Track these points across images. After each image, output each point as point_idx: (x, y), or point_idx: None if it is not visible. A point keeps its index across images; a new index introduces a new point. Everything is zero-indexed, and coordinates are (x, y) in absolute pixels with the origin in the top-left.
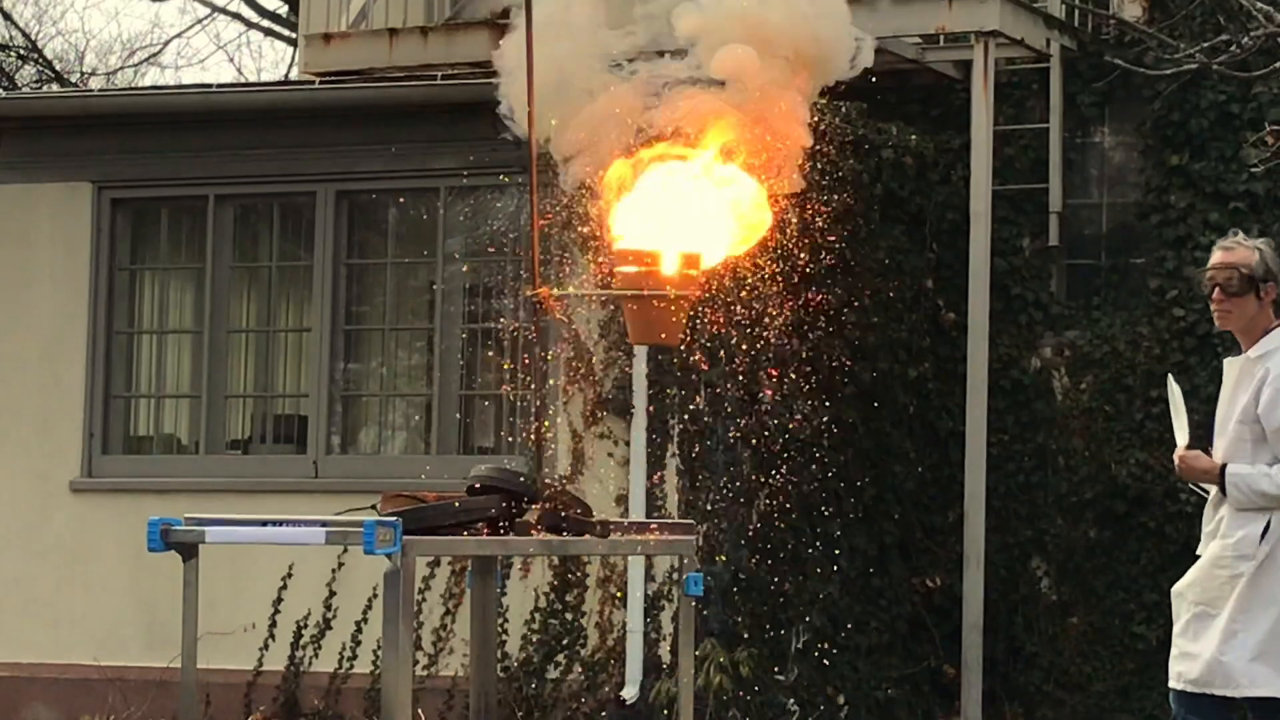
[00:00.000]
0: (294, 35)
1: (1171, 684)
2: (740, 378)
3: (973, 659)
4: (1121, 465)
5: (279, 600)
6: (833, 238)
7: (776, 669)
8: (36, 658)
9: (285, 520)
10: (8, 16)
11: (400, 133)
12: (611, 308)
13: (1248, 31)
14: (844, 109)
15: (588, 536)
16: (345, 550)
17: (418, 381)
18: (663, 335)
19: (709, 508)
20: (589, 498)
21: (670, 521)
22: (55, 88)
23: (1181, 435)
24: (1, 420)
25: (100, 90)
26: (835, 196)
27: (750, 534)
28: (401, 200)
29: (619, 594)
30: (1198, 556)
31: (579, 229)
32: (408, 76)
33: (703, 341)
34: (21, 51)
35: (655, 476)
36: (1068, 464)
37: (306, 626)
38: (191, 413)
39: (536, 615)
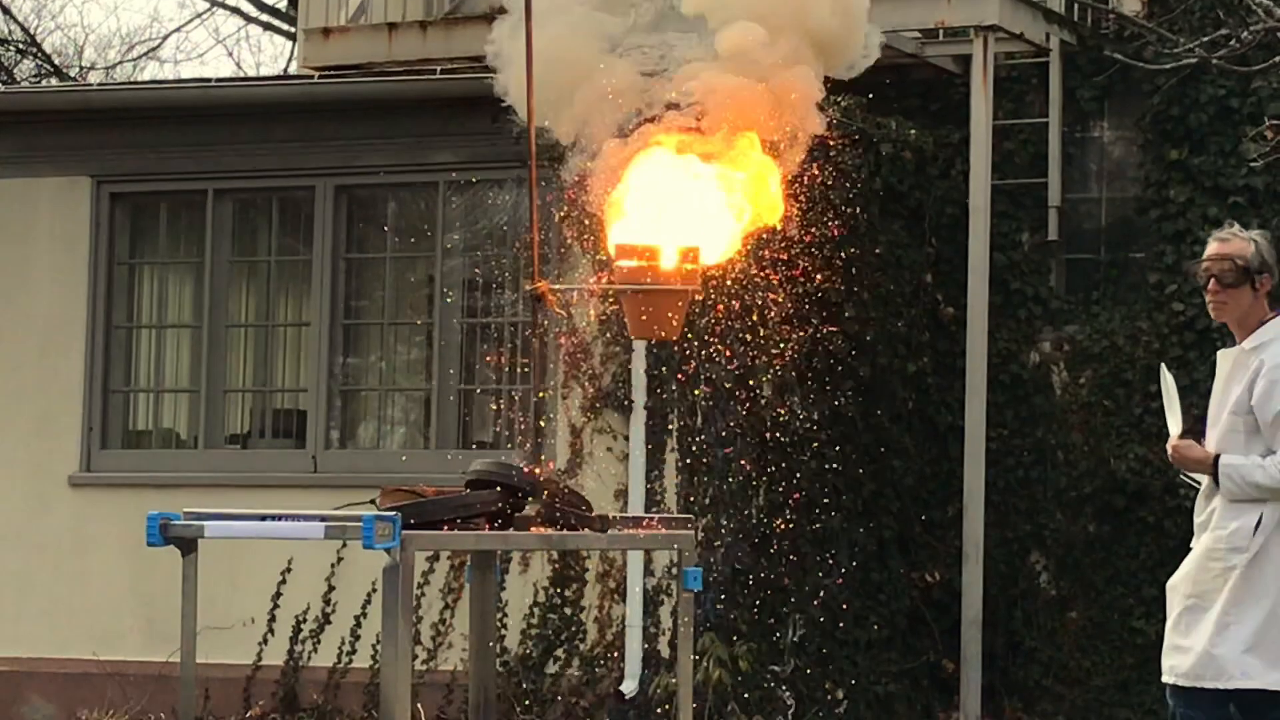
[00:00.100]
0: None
1: (1164, 678)
2: (739, 373)
3: (972, 654)
4: (1121, 460)
5: (278, 595)
6: (832, 232)
7: (773, 661)
8: (35, 652)
9: (284, 515)
10: (7, 11)
11: (399, 127)
12: (611, 302)
13: (1247, 26)
14: (843, 103)
15: (587, 531)
16: (344, 545)
17: (417, 376)
18: (662, 330)
19: (708, 502)
20: (588, 492)
21: (669, 516)
22: (54, 82)
23: (1174, 425)
24: (0, 414)
25: (99, 85)
26: (834, 191)
27: (749, 529)
28: (400, 194)
29: (618, 589)
30: (1190, 549)
31: (579, 220)
32: (407, 71)
33: (703, 336)
34: (20, 46)
35: (654, 471)
36: (1067, 459)
37: (305, 621)
38: (190, 407)
39: (536, 610)
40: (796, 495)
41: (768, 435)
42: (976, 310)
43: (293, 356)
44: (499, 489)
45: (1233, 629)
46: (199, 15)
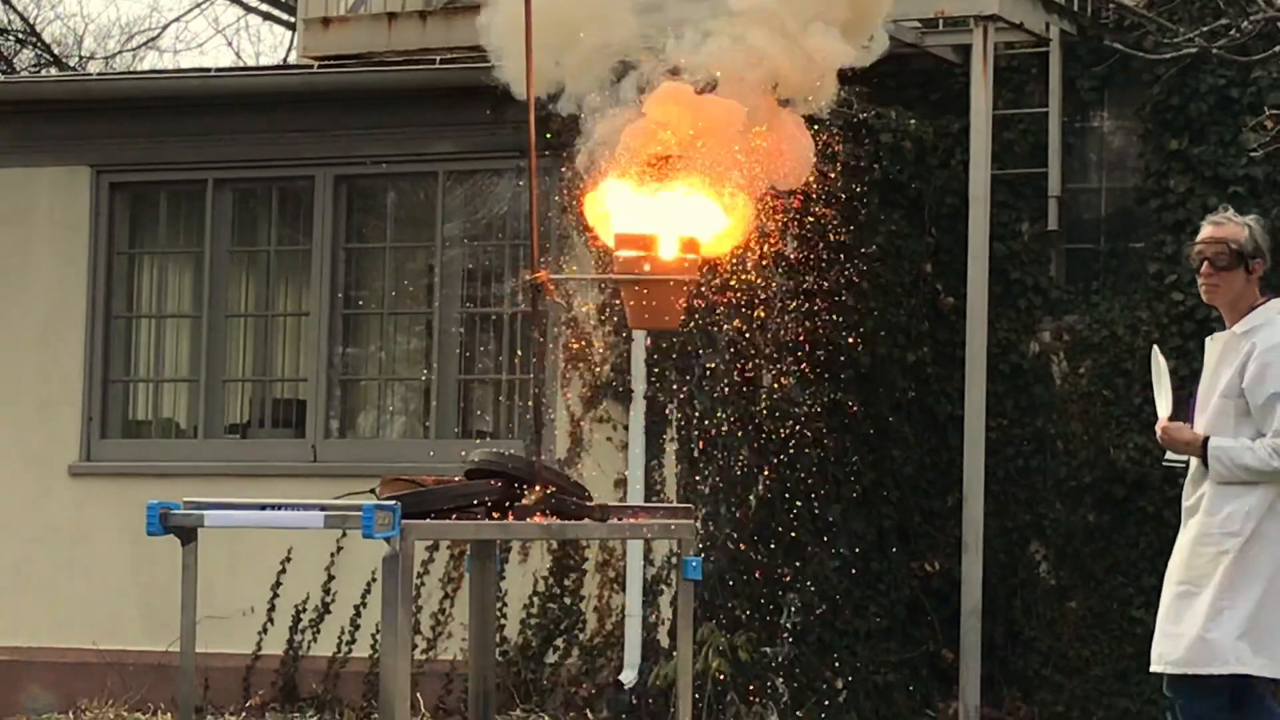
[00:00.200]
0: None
1: (1154, 667)
2: (739, 362)
3: (971, 644)
4: (1120, 449)
5: (277, 584)
6: (831, 222)
7: (769, 648)
8: (35, 641)
9: (284, 504)
10: (6, 1)
11: (399, 117)
12: (611, 292)
13: (1247, 15)
14: (843, 93)
15: (587, 521)
16: (344, 534)
17: (416, 366)
18: (662, 320)
19: (707, 492)
20: (588, 482)
21: (669, 506)
22: (54, 72)
23: (1164, 407)
24: (0, 404)
25: (99, 74)
26: (834, 180)
27: (748, 518)
28: (400, 184)
29: (617, 578)
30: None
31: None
32: (406, 60)
33: (702, 325)
34: (20, 36)
35: (653, 461)
36: (1066, 448)
37: (305, 610)
38: (190, 397)
39: (535, 599)
40: (795, 485)
41: (767, 425)
42: (976, 300)
43: (292, 346)
44: (498, 479)
45: (1226, 614)
46: (198, 5)
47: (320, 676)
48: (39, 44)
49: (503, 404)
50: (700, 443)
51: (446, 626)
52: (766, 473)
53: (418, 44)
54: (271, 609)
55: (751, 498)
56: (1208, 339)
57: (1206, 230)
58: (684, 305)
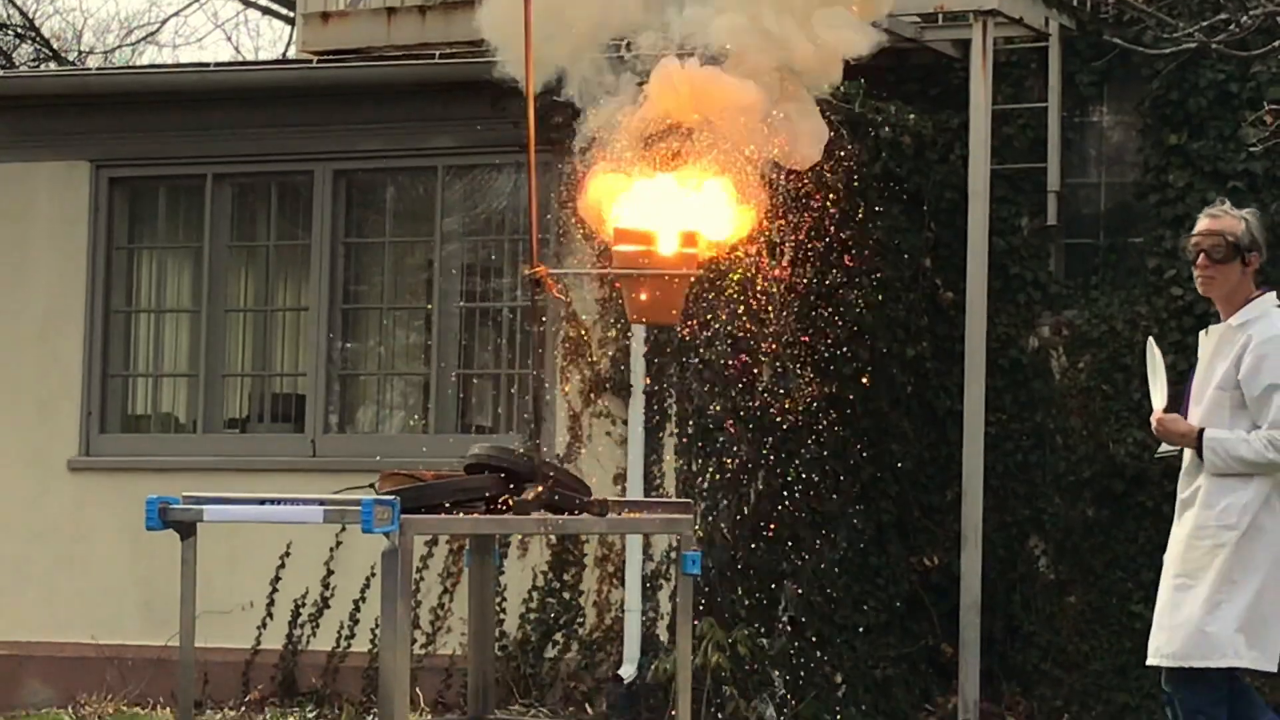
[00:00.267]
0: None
1: (1150, 661)
2: (738, 357)
3: (970, 638)
4: (1119, 444)
5: (277, 579)
6: (830, 217)
7: (764, 639)
8: (34, 636)
9: (283, 499)
10: None
11: (398, 111)
12: (611, 286)
13: (1246, 10)
14: (842, 88)
15: (586, 515)
16: (343, 529)
17: (415, 360)
18: (662, 314)
19: (707, 487)
20: (587, 477)
21: (668, 500)
22: (53, 66)
23: (1159, 398)
24: None
25: (98, 69)
26: (833, 175)
27: (747, 513)
28: (399, 179)
29: (617, 573)
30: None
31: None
32: (406, 55)
33: (702, 320)
34: (19, 30)
35: (653, 455)
36: (1066, 443)
37: (304, 605)
38: (189, 391)
39: (534, 594)
40: (794, 480)
41: (766, 420)
42: (975, 295)
43: (291, 341)
44: (498, 473)
45: (1225, 607)
46: None
47: (319, 671)
48: (38, 39)
49: (502, 399)
50: (699, 438)
51: (446, 621)
52: (765, 468)
53: (417, 39)
54: (271, 604)
55: (750, 493)
56: (1201, 332)
57: (1203, 223)
58: (684, 299)
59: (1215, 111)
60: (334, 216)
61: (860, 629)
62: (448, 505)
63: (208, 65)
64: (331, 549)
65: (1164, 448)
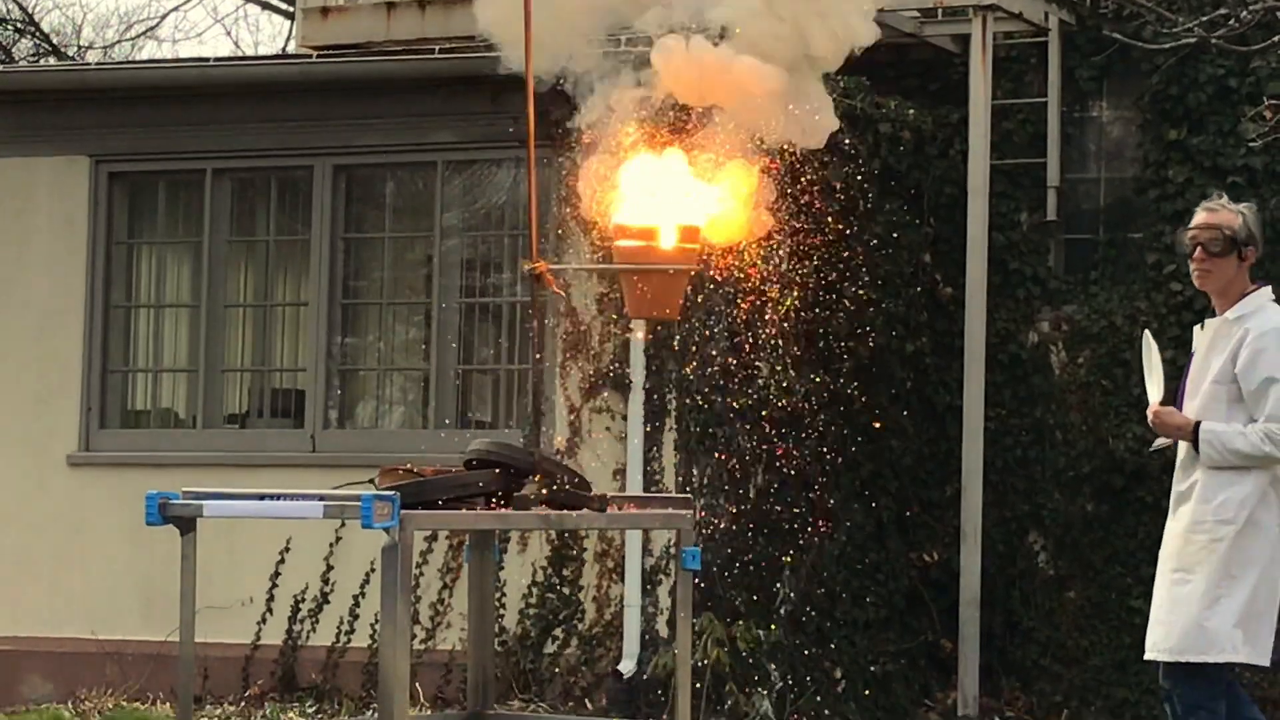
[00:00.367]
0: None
1: (1148, 655)
2: (738, 352)
3: (970, 634)
4: (1119, 439)
5: (276, 574)
6: (830, 212)
7: (760, 630)
8: (34, 631)
9: (283, 494)
10: None
11: (398, 107)
12: (611, 281)
13: (1246, 5)
14: (842, 83)
15: (585, 511)
16: (343, 524)
17: (415, 356)
18: (662, 309)
19: (706, 482)
20: (586, 472)
21: (668, 496)
22: (52, 61)
23: (1155, 392)
24: None
25: (97, 64)
26: (833, 170)
27: (747, 509)
28: (399, 174)
29: (616, 568)
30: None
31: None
32: (405, 50)
33: (702, 315)
34: (18, 25)
35: (652, 450)
36: (1065, 438)
37: (304, 600)
38: (189, 387)
39: (534, 589)
40: (794, 475)
41: (766, 415)
42: (975, 290)
43: (291, 336)
44: (498, 469)
45: (1224, 602)
46: None
47: (319, 666)
48: (37, 33)
49: (502, 394)
50: (699, 433)
51: (445, 616)
52: (764, 463)
53: (416, 33)
54: (270, 599)
55: (750, 488)
56: (1196, 326)
57: (1200, 216)
58: (684, 295)
59: (1215, 107)
60: (334, 211)
61: (860, 624)
62: (447, 501)
63: (207, 60)
64: (331, 544)
65: (1159, 441)
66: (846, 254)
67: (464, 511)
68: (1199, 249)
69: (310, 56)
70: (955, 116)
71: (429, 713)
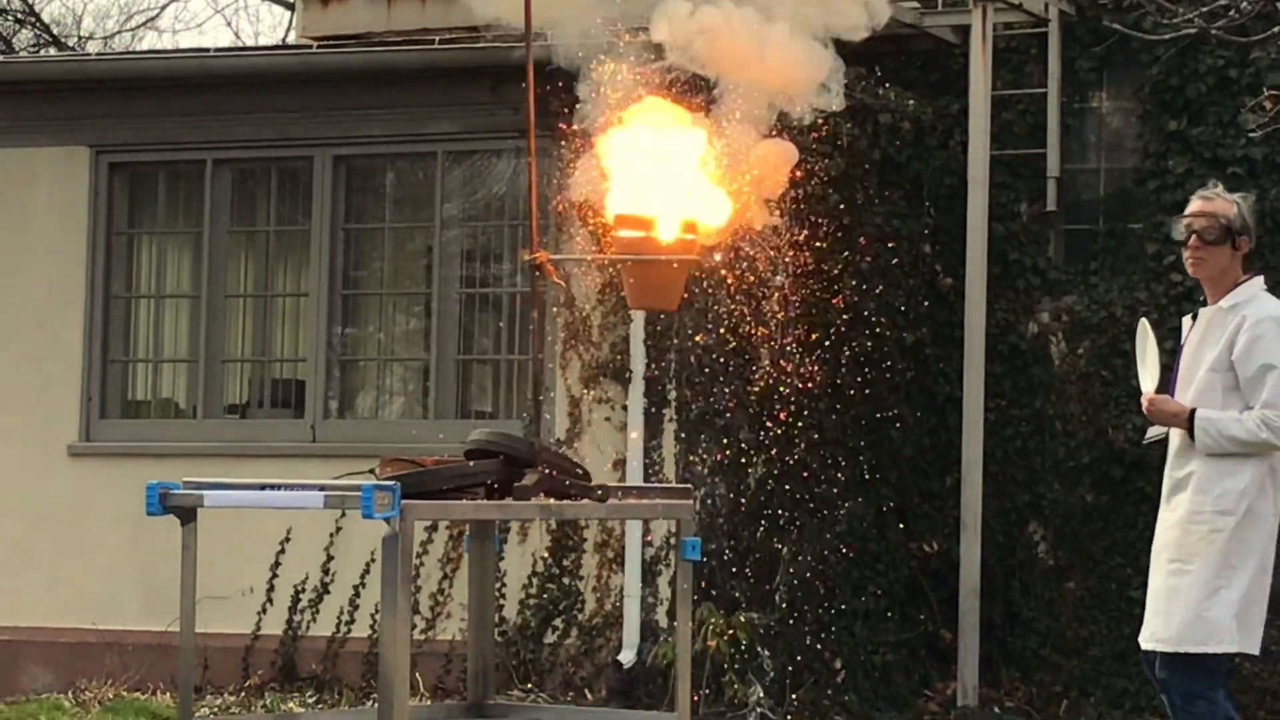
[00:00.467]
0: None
1: (1145, 645)
2: (738, 343)
3: (969, 624)
4: (1119, 430)
5: (277, 564)
6: (830, 203)
7: (764, 628)
8: (34, 621)
9: (283, 484)
10: None
11: (398, 97)
12: (611, 271)
13: None
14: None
15: (585, 501)
16: (343, 514)
17: (415, 346)
18: (663, 299)
19: (706, 473)
20: (586, 462)
21: (668, 486)
22: (53, 52)
23: (1149, 381)
24: None
25: (98, 55)
26: (833, 161)
27: (747, 499)
28: (399, 165)
29: (616, 559)
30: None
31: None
32: (405, 41)
33: (702, 306)
34: (19, 16)
35: (652, 441)
36: (1065, 429)
37: (304, 590)
38: (189, 377)
39: (534, 580)
40: (794, 466)
41: (765, 406)
42: (975, 281)
43: (291, 326)
44: (498, 459)
45: (1223, 593)
46: None
47: (319, 656)
48: (38, 24)
49: (502, 384)
50: (699, 423)
51: (445, 606)
52: (764, 453)
53: (417, 24)
54: (271, 589)
55: (750, 478)
56: (1186, 317)
57: (1196, 204)
58: (683, 286)
59: (1215, 97)
60: (334, 202)
61: (859, 614)
62: (448, 491)
63: (207, 51)
64: (331, 534)
65: (1153, 430)
66: (846, 245)
67: (464, 502)
68: (1194, 236)
69: (310, 47)
70: (955, 107)
71: (429, 703)
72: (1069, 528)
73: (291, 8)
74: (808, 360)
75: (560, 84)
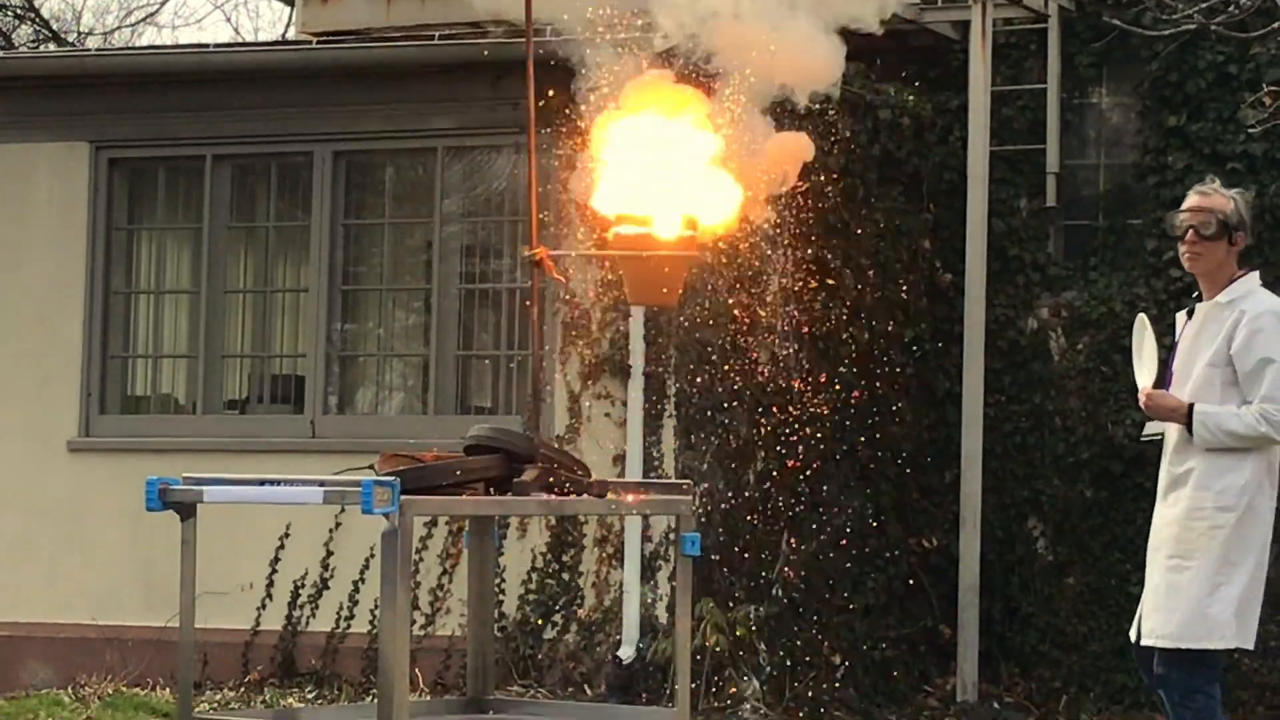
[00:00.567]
0: None
1: (1145, 641)
2: (737, 339)
3: (969, 619)
4: (1118, 426)
5: (276, 560)
6: (829, 198)
7: (761, 623)
8: (34, 617)
9: (283, 480)
10: None
11: (398, 92)
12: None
13: None
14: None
15: (585, 497)
16: (343, 510)
17: (415, 342)
18: (661, 295)
19: (705, 468)
20: (586, 458)
21: (667, 481)
22: (52, 47)
23: (1145, 376)
24: None
25: (97, 50)
26: (833, 157)
27: (746, 494)
28: (399, 160)
29: (616, 554)
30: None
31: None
32: (405, 36)
33: (701, 302)
34: (18, 11)
35: (652, 437)
36: (1064, 424)
37: (304, 586)
38: (189, 372)
39: (533, 575)
40: (794, 461)
41: (765, 401)
42: (974, 277)
43: (291, 322)
44: (497, 454)
45: (1224, 589)
46: None
47: (319, 652)
48: (37, 19)
49: (501, 380)
50: (698, 419)
51: (445, 602)
52: (764, 449)
53: (416, 19)
54: (270, 584)
55: (749, 474)
56: (1179, 313)
57: (1193, 199)
58: (683, 281)
59: (1214, 93)
60: (333, 198)
61: (859, 610)
62: (447, 486)
63: (207, 46)
64: (331, 530)
65: (1150, 427)
66: (846, 240)
67: (464, 497)
68: (1191, 231)
69: (310, 43)
70: (955, 103)
71: (428, 698)
72: (1068, 523)
73: (291, 3)
74: (807, 356)
75: (561, 78)
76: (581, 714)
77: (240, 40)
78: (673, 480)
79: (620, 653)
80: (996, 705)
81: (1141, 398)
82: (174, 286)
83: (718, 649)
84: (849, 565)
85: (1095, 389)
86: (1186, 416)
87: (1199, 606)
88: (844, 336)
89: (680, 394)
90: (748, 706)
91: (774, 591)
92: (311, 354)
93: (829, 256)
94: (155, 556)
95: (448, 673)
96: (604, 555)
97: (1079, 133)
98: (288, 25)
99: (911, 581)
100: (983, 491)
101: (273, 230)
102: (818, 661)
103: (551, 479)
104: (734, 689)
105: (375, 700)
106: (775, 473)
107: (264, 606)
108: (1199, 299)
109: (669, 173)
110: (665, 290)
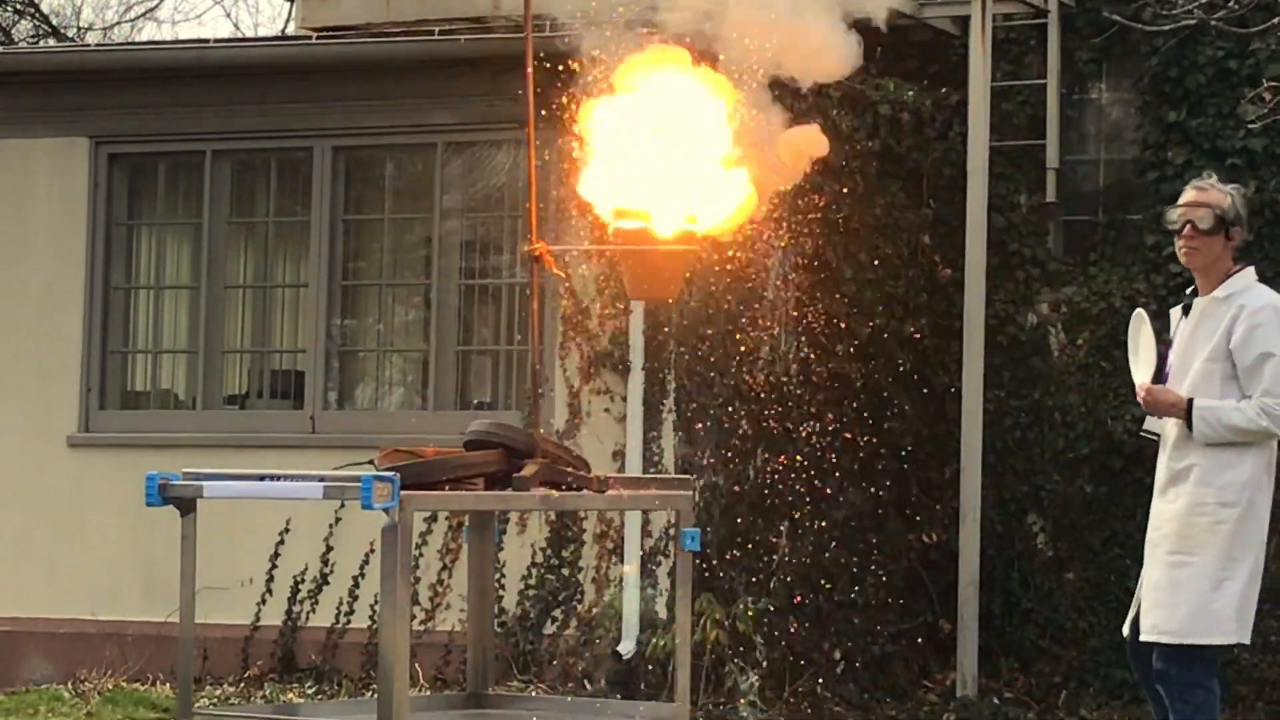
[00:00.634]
0: None
1: (1145, 637)
2: (737, 334)
3: (969, 614)
4: (1118, 421)
5: (276, 555)
6: (830, 194)
7: (763, 619)
8: (34, 612)
9: (283, 475)
10: None
11: (397, 88)
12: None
13: None
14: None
15: (585, 492)
16: (343, 505)
17: (415, 337)
18: (662, 290)
19: (705, 464)
20: (586, 453)
21: (667, 477)
22: (52, 43)
23: (1143, 371)
24: None
25: (97, 45)
26: (832, 152)
27: (746, 490)
28: (399, 156)
29: (616, 550)
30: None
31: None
32: (405, 31)
33: (701, 297)
34: (18, 6)
35: (652, 432)
36: (1064, 420)
37: (304, 581)
38: (189, 368)
39: (533, 570)
40: (793, 457)
41: (765, 397)
42: (974, 272)
43: (291, 317)
44: (497, 450)
45: (1227, 585)
46: None
47: (319, 647)
48: (37, 14)
49: (501, 375)
50: (698, 414)
51: (445, 597)
52: (764, 445)
53: (416, 15)
54: (270, 580)
55: (749, 470)
56: (1174, 309)
57: (1190, 194)
58: (683, 276)
59: (1214, 88)
60: (333, 193)
61: (859, 605)
62: (448, 482)
63: (207, 41)
64: (331, 525)
65: (1148, 425)
66: (845, 236)
67: (464, 493)
68: (1188, 226)
69: (310, 38)
70: (954, 98)
71: (428, 693)
72: (1068, 519)
73: None
74: (807, 351)
75: (561, 73)
76: (581, 709)
77: (240, 36)
78: (673, 475)
79: (620, 648)
80: (996, 700)
81: (1140, 393)
82: (174, 282)
83: (718, 644)
84: (848, 560)
85: (1095, 384)
86: (1186, 412)
87: (1203, 602)
88: (843, 332)
89: (680, 389)
90: (747, 701)
91: (774, 586)
92: (311, 349)
93: (828, 251)
94: (155, 552)
95: (447, 668)
96: (604, 550)
97: (1079, 128)
98: (287, 21)
99: (911, 577)
100: (982, 487)
101: (272, 225)
102: (818, 656)
103: (551, 474)
104: (734, 684)
105: (375, 695)
106: (774, 468)
107: (264, 602)
108: (1194, 294)
109: (671, 168)
110: (665, 285)
